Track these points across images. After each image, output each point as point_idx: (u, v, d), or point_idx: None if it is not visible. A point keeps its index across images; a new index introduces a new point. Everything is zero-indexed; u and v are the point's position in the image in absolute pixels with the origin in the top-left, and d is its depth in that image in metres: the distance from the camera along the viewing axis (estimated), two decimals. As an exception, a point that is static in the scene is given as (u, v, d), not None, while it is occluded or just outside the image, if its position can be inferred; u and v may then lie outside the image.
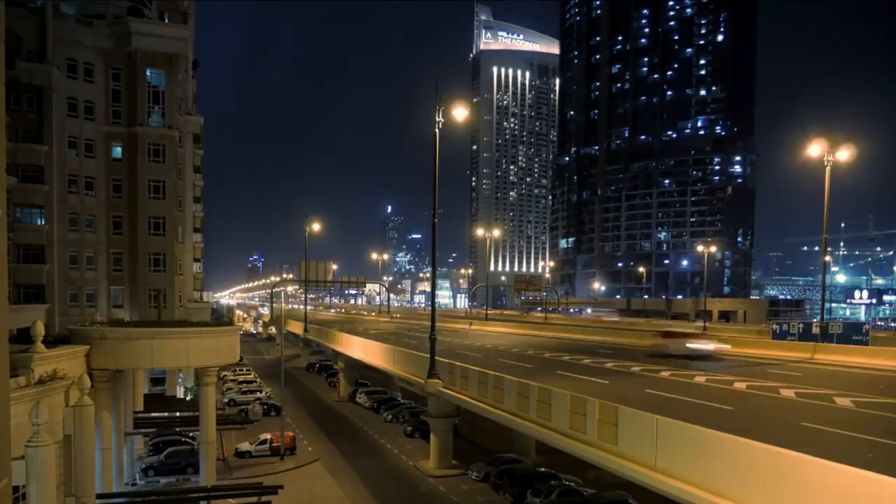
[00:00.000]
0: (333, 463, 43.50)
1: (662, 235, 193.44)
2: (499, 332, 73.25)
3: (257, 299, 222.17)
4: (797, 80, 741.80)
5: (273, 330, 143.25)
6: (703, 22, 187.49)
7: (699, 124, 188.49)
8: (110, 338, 28.38)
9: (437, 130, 34.29)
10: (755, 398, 26.60)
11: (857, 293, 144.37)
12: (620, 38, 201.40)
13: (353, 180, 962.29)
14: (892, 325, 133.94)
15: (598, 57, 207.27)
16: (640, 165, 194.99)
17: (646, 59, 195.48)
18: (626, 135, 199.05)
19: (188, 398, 52.21)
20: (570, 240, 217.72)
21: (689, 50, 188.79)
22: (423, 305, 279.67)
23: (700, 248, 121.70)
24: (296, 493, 35.11)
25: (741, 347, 46.47)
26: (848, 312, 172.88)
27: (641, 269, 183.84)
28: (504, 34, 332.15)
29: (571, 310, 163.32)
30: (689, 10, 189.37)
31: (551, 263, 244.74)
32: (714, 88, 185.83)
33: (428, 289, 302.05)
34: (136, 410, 40.17)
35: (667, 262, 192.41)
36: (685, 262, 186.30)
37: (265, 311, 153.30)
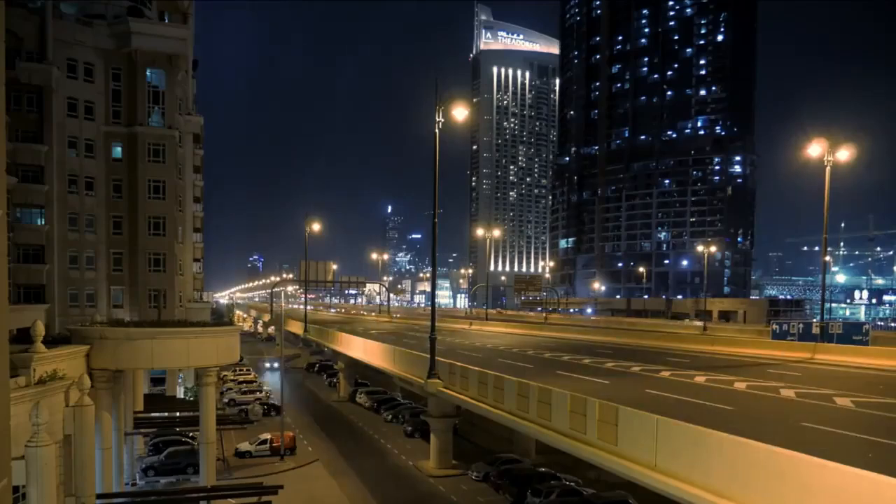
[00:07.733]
0: (333, 463, 43.50)
1: (662, 235, 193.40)
2: (499, 332, 73.19)
3: (257, 299, 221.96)
4: (797, 79, 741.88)
5: (273, 330, 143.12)
6: (703, 22, 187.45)
7: (699, 124, 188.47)
8: (110, 338, 28.34)
9: (437, 130, 34.27)
10: (755, 398, 26.60)
11: (856, 293, 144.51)
12: (620, 38, 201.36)
13: (353, 180, 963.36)
14: (892, 325, 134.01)
15: (598, 57, 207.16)
16: (640, 165, 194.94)
17: (646, 59, 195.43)
18: (626, 135, 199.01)
19: (188, 398, 52.18)
20: (570, 240, 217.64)
21: (689, 50, 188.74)
22: (423, 305, 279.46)
23: (700, 248, 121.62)
24: (296, 494, 35.11)
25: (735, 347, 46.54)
26: (848, 312, 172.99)
27: (641, 269, 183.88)
28: (504, 34, 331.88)
29: (571, 310, 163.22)
30: (689, 10, 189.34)
31: (551, 263, 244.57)
32: (714, 88, 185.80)
33: (428, 289, 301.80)
34: (136, 410, 40.15)
35: (667, 262, 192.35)
36: (685, 262, 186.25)
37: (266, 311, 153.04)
